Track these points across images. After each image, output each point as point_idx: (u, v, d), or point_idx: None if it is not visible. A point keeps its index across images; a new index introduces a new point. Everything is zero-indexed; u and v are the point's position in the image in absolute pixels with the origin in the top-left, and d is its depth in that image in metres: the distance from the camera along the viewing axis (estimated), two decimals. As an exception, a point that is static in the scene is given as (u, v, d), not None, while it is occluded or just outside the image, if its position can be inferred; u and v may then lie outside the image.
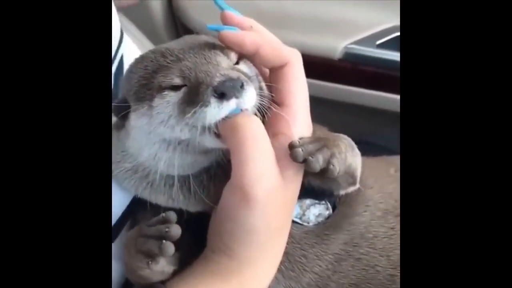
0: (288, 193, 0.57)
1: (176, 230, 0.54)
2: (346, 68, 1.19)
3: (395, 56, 1.16)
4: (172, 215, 0.55)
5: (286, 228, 0.60)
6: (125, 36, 0.82)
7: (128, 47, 0.81)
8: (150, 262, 0.54)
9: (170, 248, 0.53)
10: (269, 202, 0.54)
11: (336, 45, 1.18)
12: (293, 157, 0.54)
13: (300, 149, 0.54)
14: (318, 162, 0.54)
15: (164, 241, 0.53)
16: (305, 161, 0.54)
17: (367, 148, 0.67)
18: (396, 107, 1.17)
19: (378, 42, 1.18)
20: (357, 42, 1.18)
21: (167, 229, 0.54)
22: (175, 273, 0.57)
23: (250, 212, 0.54)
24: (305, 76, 0.61)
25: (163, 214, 0.56)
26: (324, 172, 0.55)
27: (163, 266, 0.55)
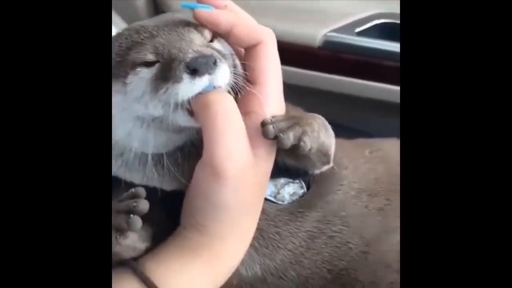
0: (259, 171, 0.58)
1: (143, 205, 0.54)
2: (326, 56, 1.19)
3: (374, 43, 1.17)
4: (141, 191, 0.55)
5: (258, 206, 0.60)
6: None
7: None
8: (118, 237, 0.54)
9: (137, 222, 0.53)
10: (240, 179, 0.55)
11: (315, 33, 1.18)
12: (265, 134, 0.55)
13: (271, 126, 0.55)
14: (289, 138, 0.55)
15: (132, 215, 0.53)
16: (276, 138, 0.55)
17: (342, 131, 0.68)
18: (375, 95, 1.18)
19: (358, 29, 1.18)
20: (336, 30, 1.18)
21: (135, 204, 0.53)
22: (149, 251, 0.57)
23: (221, 189, 0.54)
24: (279, 56, 0.61)
25: (133, 190, 0.56)
26: (296, 149, 0.56)
27: (134, 242, 0.56)
